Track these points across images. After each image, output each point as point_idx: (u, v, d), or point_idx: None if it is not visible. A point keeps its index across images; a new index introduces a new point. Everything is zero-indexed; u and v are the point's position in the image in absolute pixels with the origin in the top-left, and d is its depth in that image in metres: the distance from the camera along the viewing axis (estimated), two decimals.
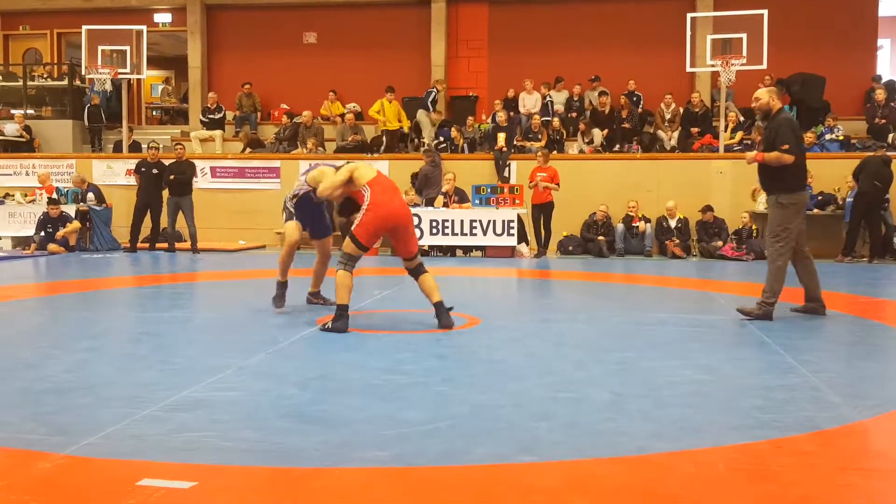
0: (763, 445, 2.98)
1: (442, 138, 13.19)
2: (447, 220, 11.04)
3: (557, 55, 14.56)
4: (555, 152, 12.96)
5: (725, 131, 12.41)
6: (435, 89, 13.95)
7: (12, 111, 14.83)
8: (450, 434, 3.09)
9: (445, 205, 11.29)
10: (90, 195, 12.39)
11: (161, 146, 12.67)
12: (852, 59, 14.08)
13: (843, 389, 3.80)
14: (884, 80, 13.71)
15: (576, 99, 14.12)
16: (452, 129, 13.23)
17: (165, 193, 11.72)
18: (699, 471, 2.74)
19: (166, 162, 11.86)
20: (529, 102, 14.07)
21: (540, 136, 13.10)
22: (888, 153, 11.11)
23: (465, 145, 13.08)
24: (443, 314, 5.35)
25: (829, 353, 4.69)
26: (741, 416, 3.39)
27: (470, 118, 13.73)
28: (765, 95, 5.91)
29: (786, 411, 3.43)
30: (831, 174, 11.47)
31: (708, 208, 11.43)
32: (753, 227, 11.36)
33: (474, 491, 2.55)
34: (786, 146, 5.70)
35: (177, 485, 2.52)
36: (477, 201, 11.18)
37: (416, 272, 5.46)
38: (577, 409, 3.46)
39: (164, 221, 11.97)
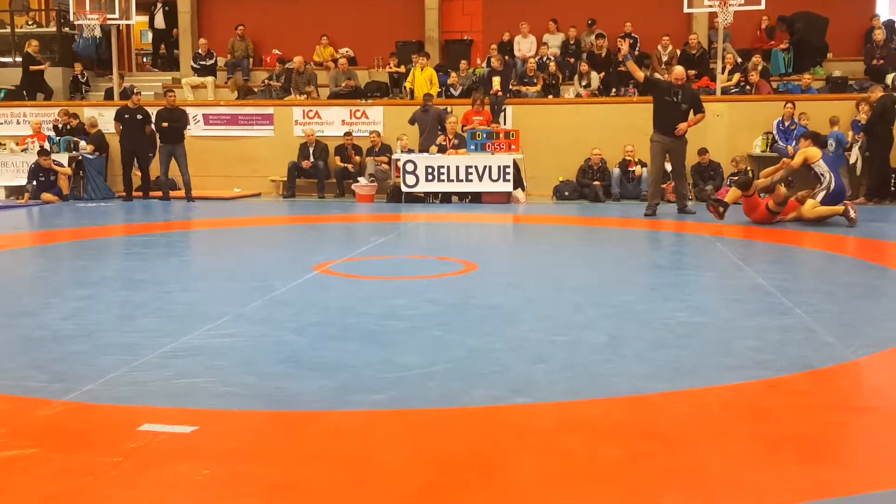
0: (757, 385, 3.02)
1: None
2: (443, 167, 10.94)
3: None
4: (550, 97, 12.80)
5: (722, 73, 12.24)
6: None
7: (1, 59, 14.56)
8: (446, 377, 3.12)
9: (442, 150, 11.19)
10: (82, 143, 12.26)
11: (140, 92, 12.46)
12: None
13: (838, 329, 3.83)
14: (882, 19, 13.45)
15: (572, 42, 13.87)
16: (451, 75, 13.00)
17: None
18: (694, 410, 2.78)
19: (150, 109, 11.68)
20: (525, 46, 13.82)
21: (535, 81, 12.92)
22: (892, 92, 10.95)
23: (462, 89, 12.90)
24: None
25: (824, 295, 4.71)
26: (736, 357, 3.42)
27: (464, 62, 13.50)
28: None
29: (780, 352, 3.46)
30: (826, 115, 11.34)
31: (703, 151, 11.35)
32: (749, 168, 11.29)
33: (471, 432, 2.58)
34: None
35: (177, 429, 2.54)
36: (472, 147, 11.09)
37: None
38: (574, 352, 3.49)
39: (156, 170, 11.85)
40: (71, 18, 13.69)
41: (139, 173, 11.80)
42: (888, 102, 10.36)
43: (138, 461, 2.31)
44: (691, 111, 9.09)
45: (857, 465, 2.36)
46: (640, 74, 9.66)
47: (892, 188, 10.83)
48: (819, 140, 8.84)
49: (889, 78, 11.97)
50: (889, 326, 4.04)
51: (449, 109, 11.68)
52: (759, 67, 12.30)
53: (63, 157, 11.94)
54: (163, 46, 16.01)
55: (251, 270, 5.68)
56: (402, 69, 13.64)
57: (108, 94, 13.95)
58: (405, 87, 13.22)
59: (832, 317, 4.12)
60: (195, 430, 2.55)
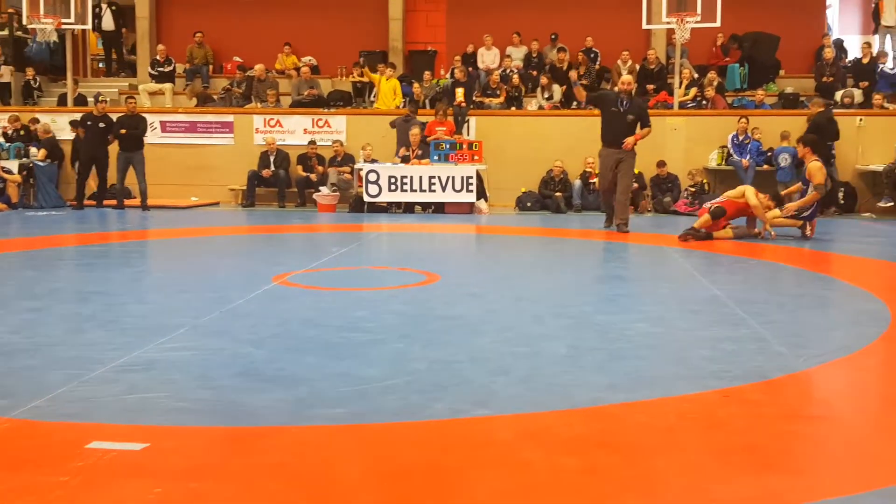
0: (712, 395, 3.06)
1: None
2: (406, 177, 10.93)
3: (516, 10, 14.36)
4: (513, 108, 12.90)
5: (680, 87, 12.49)
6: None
7: None
8: (407, 390, 3.10)
9: (405, 160, 11.18)
10: (33, 150, 11.96)
11: (107, 100, 12.22)
12: (803, 18, 14.21)
13: (789, 340, 3.91)
14: (833, 38, 13.87)
15: (534, 55, 14.02)
16: (414, 85, 13.01)
17: (112, 148, 11.36)
18: (651, 421, 2.80)
19: (113, 116, 11.47)
20: (488, 58, 13.92)
21: (499, 93, 13.01)
22: (832, 109, 11.23)
23: (427, 101, 12.91)
24: None
25: (776, 306, 4.81)
26: (691, 368, 3.47)
27: (428, 73, 13.54)
28: None
29: (734, 362, 3.52)
30: (778, 130, 11.61)
31: (662, 163, 11.55)
32: (705, 181, 11.52)
33: (431, 445, 2.57)
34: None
35: (127, 447, 2.48)
36: (436, 157, 11.10)
37: None
38: (534, 363, 3.50)
39: (112, 177, 11.61)
40: (24, 22, 13.38)
41: (97, 180, 11.56)
42: (823, 120, 10.54)
43: (86, 480, 2.24)
44: (638, 124, 8.92)
45: (806, 474, 2.40)
46: (582, 95, 9.48)
47: (841, 201, 11.14)
48: (818, 148, 8.40)
49: (838, 95, 12.32)
50: (836, 336, 4.14)
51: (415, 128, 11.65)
52: (715, 83, 12.58)
53: (13, 164, 11.63)
54: (114, 51, 15.66)
55: (208, 281, 5.58)
56: (365, 79, 13.62)
57: (62, 100, 13.64)
58: (367, 93, 13.21)
59: (783, 327, 4.21)
60: (146, 448, 2.48)
